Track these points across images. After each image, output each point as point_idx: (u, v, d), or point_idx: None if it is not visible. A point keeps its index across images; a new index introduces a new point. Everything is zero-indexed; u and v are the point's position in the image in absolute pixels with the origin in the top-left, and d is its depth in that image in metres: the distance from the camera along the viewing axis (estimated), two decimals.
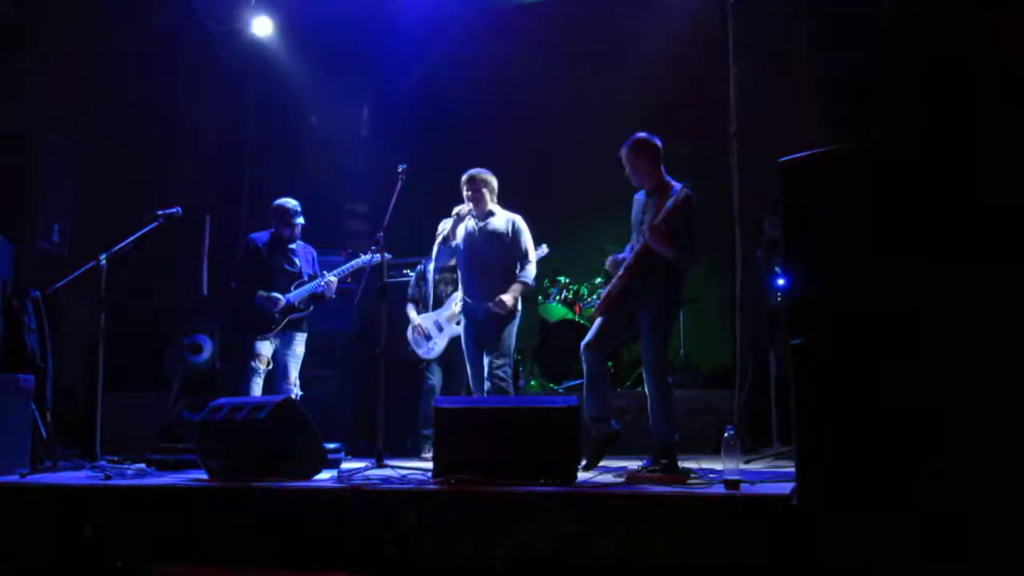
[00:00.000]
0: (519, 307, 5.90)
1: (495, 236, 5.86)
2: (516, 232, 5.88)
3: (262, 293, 6.17)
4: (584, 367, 5.14)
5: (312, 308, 6.34)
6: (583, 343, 5.16)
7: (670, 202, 4.85)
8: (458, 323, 6.57)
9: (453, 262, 6.68)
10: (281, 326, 6.20)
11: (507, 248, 5.85)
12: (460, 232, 5.92)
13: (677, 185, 5.05)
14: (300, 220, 6.39)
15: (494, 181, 5.93)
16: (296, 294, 6.26)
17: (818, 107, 6.81)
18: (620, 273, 5.05)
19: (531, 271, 5.92)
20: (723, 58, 6.47)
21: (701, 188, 5.20)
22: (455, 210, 5.91)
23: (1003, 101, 3.95)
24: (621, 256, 5.21)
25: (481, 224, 5.89)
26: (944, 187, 3.20)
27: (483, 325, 5.82)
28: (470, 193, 5.85)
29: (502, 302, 5.70)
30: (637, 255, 4.98)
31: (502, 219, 5.91)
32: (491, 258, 5.83)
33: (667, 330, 5.05)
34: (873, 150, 3.45)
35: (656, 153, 5.10)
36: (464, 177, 5.89)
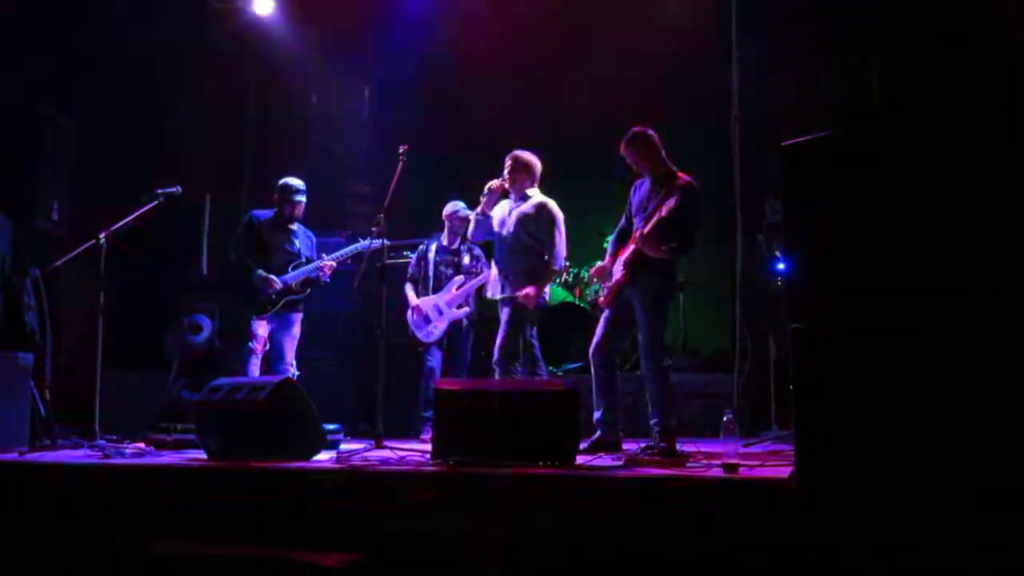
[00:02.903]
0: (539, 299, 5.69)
1: (522, 220, 5.66)
2: (541, 216, 5.65)
3: (260, 272, 6.16)
4: (592, 371, 5.18)
5: (309, 291, 6.33)
6: (591, 348, 5.19)
7: (673, 200, 4.81)
8: (459, 307, 6.55)
9: (456, 245, 6.67)
10: (277, 307, 6.19)
11: (531, 234, 5.64)
12: (497, 212, 5.77)
13: (684, 177, 5.04)
14: (301, 198, 6.34)
15: (533, 163, 5.73)
16: (292, 276, 6.24)
17: (821, 91, 6.78)
18: (620, 270, 5.06)
19: (556, 257, 5.67)
20: (726, 41, 6.46)
21: (702, 172, 5.19)
22: (487, 185, 5.73)
23: (1005, 83, 3.93)
24: (603, 263, 5.28)
25: (514, 206, 5.74)
26: (948, 171, 3.18)
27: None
28: (506, 172, 5.68)
29: (527, 296, 5.55)
30: (634, 251, 5.00)
31: (532, 204, 5.69)
32: (516, 243, 5.67)
33: (661, 313, 5.07)
34: (877, 133, 3.43)
35: (651, 142, 5.11)
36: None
